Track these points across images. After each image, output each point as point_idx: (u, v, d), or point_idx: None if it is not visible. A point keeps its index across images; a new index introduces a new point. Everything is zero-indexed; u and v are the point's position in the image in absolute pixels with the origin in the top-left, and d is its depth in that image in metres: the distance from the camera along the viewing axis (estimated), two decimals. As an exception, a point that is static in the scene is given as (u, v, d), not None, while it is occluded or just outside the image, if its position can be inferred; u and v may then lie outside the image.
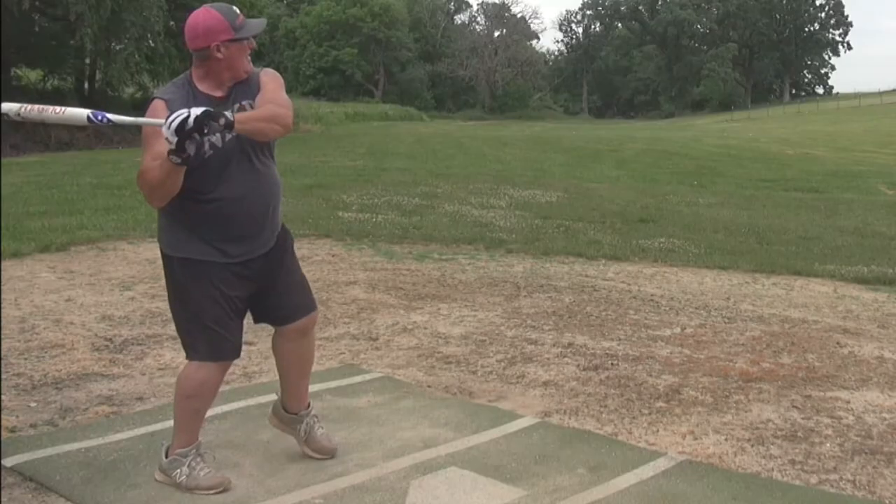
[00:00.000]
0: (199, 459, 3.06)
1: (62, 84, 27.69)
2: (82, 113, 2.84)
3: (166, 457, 3.08)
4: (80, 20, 22.38)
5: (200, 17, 2.89)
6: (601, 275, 7.29)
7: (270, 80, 2.98)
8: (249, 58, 2.99)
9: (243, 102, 2.93)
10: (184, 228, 3.00)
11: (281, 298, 3.17)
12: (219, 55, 2.88)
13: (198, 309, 2.99)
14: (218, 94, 2.93)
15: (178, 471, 3.02)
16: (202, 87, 2.93)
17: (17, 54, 24.47)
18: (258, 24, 3.01)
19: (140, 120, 2.84)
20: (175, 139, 2.64)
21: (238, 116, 2.78)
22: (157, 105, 2.87)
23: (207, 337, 3.00)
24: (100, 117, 2.81)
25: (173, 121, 2.64)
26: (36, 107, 2.89)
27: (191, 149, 2.69)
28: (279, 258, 3.13)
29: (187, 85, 2.95)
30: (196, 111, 2.65)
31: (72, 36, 23.91)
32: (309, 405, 3.36)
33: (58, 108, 2.90)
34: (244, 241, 3.00)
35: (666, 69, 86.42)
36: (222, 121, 2.69)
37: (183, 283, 3.01)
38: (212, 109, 2.70)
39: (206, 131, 2.67)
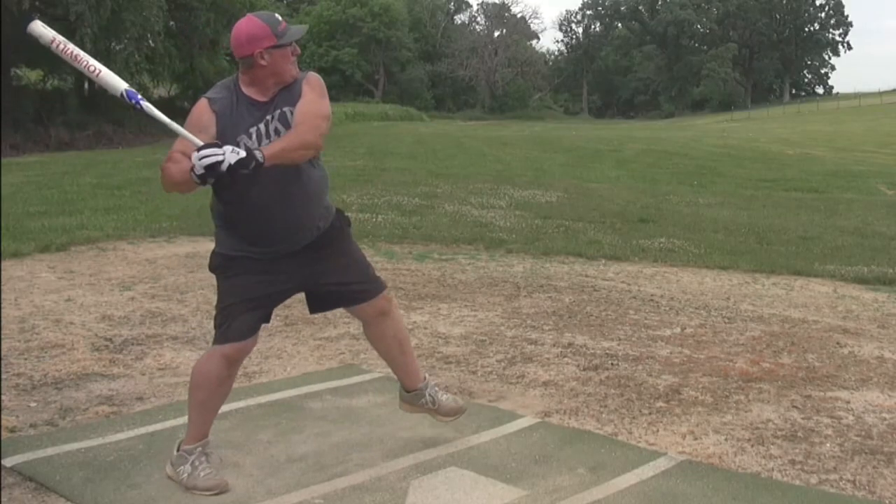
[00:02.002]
0: (203, 459, 3.06)
1: (62, 84, 27.67)
2: (119, 85, 2.86)
3: (177, 451, 3.10)
4: (80, 20, 22.38)
5: (243, 25, 2.97)
6: (601, 275, 7.29)
7: (310, 90, 3.02)
8: (295, 61, 3.04)
9: (284, 109, 2.98)
10: (226, 226, 3.08)
11: (336, 288, 3.23)
12: (262, 62, 2.94)
13: (223, 298, 3.08)
14: (262, 98, 2.99)
15: (182, 468, 3.05)
16: (247, 91, 2.99)
17: (17, 54, 24.45)
18: (299, 30, 3.08)
19: (173, 125, 2.87)
20: (202, 172, 2.70)
21: (268, 153, 2.79)
22: (201, 104, 2.96)
23: (220, 320, 3.07)
24: (134, 100, 2.84)
25: (206, 156, 2.68)
26: (71, 48, 2.88)
27: (210, 181, 2.75)
28: (316, 253, 3.15)
29: (233, 87, 3.01)
30: (231, 159, 2.69)
31: (72, 36, 23.86)
32: (425, 378, 3.47)
33: (93, 65, 2.89)
34: (273, 242, 3.05)
35: (666, 69, 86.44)
36: (252, 164, 2.73)
37: (216, 274, 3.12)
38: (244, 156, 2.72)
39: (234, 177, 2.72)
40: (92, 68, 2.88)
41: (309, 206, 3.10)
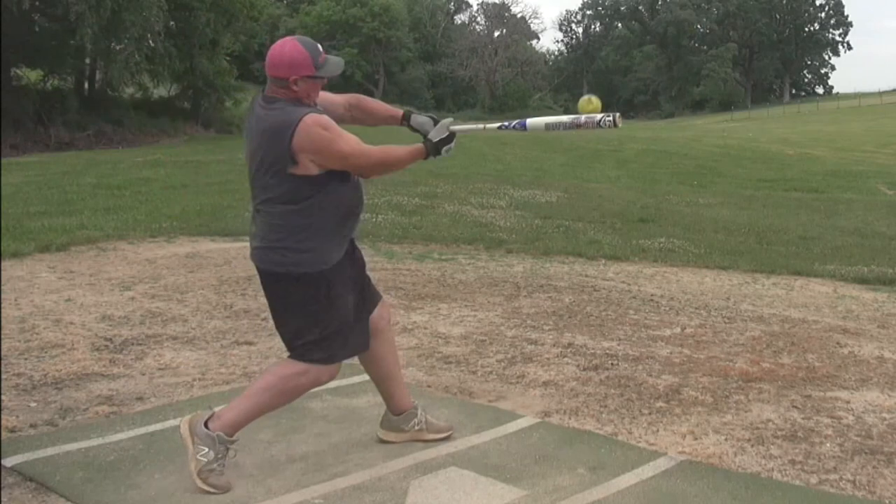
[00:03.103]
0: (226, 455, 3.04)
1: (62, 84, 27.65)
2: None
3: (206, 427, 3.02)
4: (80, 20, 22.36)
5: (287, 49, 2.97)
6: (601, 275, 7.29)
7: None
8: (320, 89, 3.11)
9: None
10: (331, 238, 3.05)
11: (367, 285, 3.30)
12: (295, 88, 2.96)
13: (345, 309, 3.09)
14: None
15: (206, 450, 2.99)
16: None
17: (17, 54, 24.44)
18: (337, 65, 3.06)
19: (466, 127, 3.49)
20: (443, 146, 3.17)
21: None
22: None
23: (344, 336, 3.09)
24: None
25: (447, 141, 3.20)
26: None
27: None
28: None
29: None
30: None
31: (72, 36, 23.88)
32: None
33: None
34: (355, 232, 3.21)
35: (666, 69, 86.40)
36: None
37: (338, 290, 3.07)
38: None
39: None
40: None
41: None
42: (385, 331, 3.35)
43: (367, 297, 3.26)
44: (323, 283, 3.02)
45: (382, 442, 3.41)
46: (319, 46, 3.04)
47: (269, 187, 2.98)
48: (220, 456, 3.01)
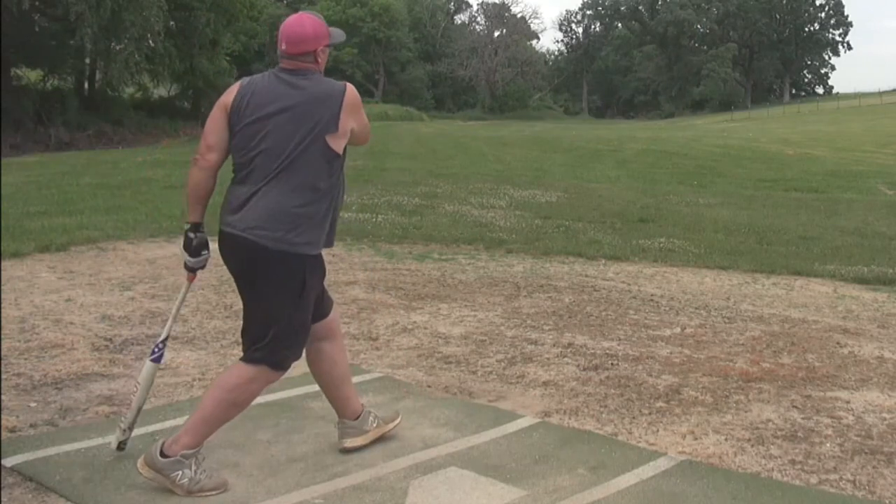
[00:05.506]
0: (199, 462, 3.04)
1: (62, 84, 27.68)
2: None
3: (163, 456, 2.98)
4: (80, 20, 22.39)
5: (308, 22, 3.07)
6: (601, 275, 7.29)
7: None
8: None
9: None
10: (320, 227, 3.07)
11: (323, 293, 3.30)
12: (319, 59, 3.08)
13: (307, 307, 3.09)
14: None
15: (180, 473, 2.96)
16: None
17: (17, 54, 24.46)
18: (340, 35, 3.22)
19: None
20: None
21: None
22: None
23: (299, 338, 3.11)
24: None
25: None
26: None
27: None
28: None
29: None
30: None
31: (72, 36, 23.92)
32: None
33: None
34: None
35: (666, 69, 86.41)
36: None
37: (310, 282, 3.08)
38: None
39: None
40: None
41: None
42: (340, 334, 3.39)
43: (321, 305, 3.26)
44: (300, 270, 3.04)
45: (348, 451, 3.34)
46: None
47: (297, 165, 2.98)
48: (196, 467, 3.01)
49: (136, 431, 3.51)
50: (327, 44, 3.10)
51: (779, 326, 5.56)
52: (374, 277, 6.71)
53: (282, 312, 3.04)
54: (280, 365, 3.09)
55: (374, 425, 3.41)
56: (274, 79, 3.06)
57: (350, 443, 3.36)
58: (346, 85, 3.07)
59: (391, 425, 3.48)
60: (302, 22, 3.06)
